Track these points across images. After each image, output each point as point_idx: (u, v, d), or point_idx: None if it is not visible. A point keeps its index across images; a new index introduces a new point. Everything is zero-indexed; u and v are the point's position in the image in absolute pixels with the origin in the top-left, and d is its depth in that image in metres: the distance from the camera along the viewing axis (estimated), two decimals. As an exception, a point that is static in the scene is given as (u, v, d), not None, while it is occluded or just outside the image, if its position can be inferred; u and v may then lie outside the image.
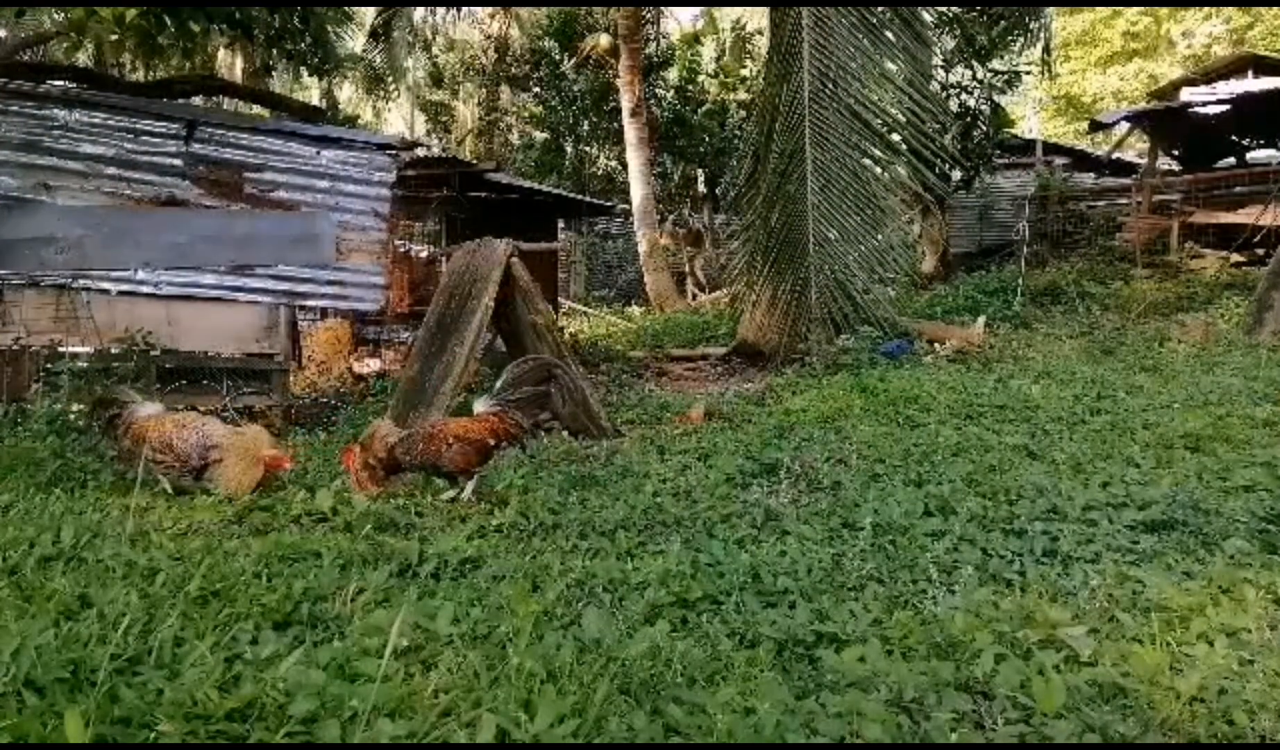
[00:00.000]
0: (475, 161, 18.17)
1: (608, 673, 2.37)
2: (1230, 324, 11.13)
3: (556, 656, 2.43)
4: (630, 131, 18.75)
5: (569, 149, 23.99)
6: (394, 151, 10.01)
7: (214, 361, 8.91)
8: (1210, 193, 16.64)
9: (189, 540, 3.74)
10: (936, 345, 10.80)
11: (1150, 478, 4.65)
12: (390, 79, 24.67)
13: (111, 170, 8.77)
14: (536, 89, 24.78)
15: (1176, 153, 19.95)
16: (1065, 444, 5.63)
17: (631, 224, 20.46)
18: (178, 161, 9.01)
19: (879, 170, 7.98)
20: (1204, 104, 17.43)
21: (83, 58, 16.16)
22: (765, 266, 8.41)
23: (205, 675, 2.18)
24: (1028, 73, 16.89)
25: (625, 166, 20.31)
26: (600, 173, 25.18)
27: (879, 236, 7.92)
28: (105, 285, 8.65)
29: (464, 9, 23.44)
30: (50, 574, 3.00)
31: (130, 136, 8.85)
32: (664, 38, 23.76)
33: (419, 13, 22.79)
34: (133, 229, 8.79)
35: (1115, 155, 22.13)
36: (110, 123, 8.79)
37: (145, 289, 8.80)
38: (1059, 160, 21.95)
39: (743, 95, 22.28)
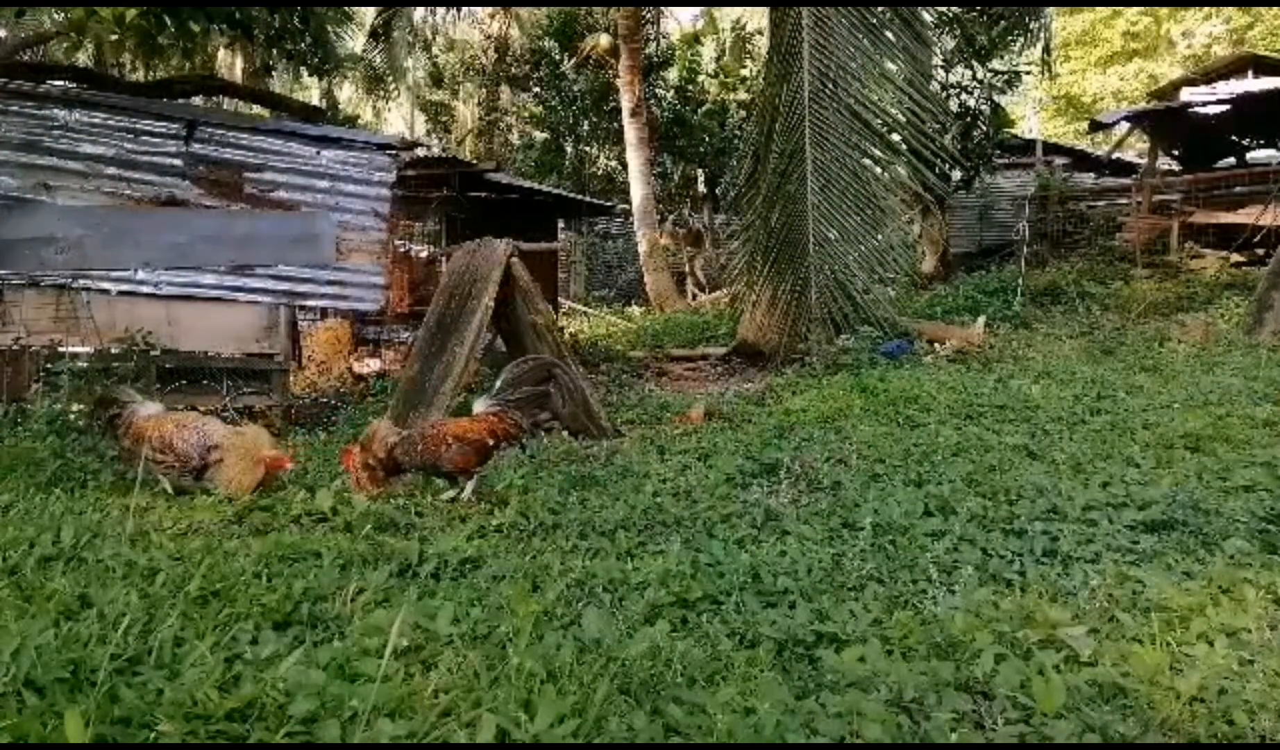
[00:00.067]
0: (475, 161, 18.17)
1: (608, 673, 2.37)
2: (1230, 324, 11.13)
3: (556, 656, 2.43)
4: (630, 131, 18.75)
5: (569, 149, 23.99)
6: (394, 151, 10.01)
7: (214, 361, 8.91)
8: (1210, 193, 16.64)
9: (189, 540, 3.73)
10: (936, 345, 10.79)
11: (1150, 478, 4.65)
12: (390, 79, 24.70)
13: (111, 170, 8.77)
14: (536, 89, 24.78)
15: (1176, 153, 19.94)
16: (1065, 444, 5.63)
17: (631, 224, 20.47)
18: (178, 161, 9.01)
19: (879, 170, 7.99)
20: (1204, 104, 17.43)
21: (83, 58, 16.15)
22: (765, 266, 8.42)
23: (205, 675, 2.18)
24: (1028, 73, 16.90)
25: (625, 166, 20.32)
26: (600, 173, 25.18)
27: (879, 236, 7.92)
28: (105, 285, 8.65)
29: (464, 9, 23.46)
30: (50, 574, 3.00)
31: (130, 136, 8.85)
32: (664, 38, 23.76)
33: (419, 13, 22.82)
34: (133, 229, 8.79)
35: (1115, 155, 22.13)
36: (110, 123, 8.79)
37: (145, 289, 8.80)
38: (1059, 160, 21.94)
39: (743, 95, 22.27)
